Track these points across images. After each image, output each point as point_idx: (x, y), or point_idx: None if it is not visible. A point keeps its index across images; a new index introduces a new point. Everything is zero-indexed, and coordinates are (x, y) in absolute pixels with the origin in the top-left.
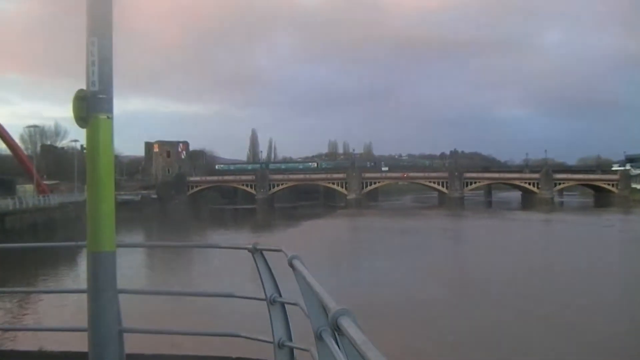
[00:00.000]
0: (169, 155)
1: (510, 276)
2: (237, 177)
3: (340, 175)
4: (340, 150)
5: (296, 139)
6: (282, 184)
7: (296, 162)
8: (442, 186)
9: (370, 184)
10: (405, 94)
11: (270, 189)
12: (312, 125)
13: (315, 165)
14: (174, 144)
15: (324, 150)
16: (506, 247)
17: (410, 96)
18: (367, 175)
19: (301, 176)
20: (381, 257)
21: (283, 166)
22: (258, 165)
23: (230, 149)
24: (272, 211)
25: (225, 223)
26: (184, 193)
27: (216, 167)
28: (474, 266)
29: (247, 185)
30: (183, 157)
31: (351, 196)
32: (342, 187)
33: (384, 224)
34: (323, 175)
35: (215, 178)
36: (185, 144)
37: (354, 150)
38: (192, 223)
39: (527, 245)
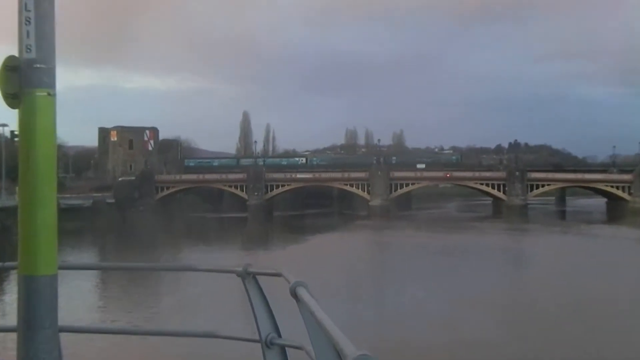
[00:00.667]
0: (131, 146)
1: (594, 316)
2: (224, 176)
3: (361, 175)
4: (362, 141)
5: (303, 126)
6: (282, 186)
7: (302, 155)
8: (498, 190)
9: (401, 187)
10: (449, 67)
11: (267, 192)
12: (324, 109)
13: (304, 161)
14: (139, 131)
15: (340, 140)
16: (586, 276)
17: (456, 70)
18: (397, 174)
19: (309, 175)
20: (416, 286)
21: (285, 161)
22: (251, 161)
23: (215, 138)
24: (269, 221)
25: (205, 237)
26: (151, 197)
27: (191, 163)
28: (543, 301)
29: (236, 187)
30: (151, 148)
31: (375, 202)
32: (364, 190)
33: (420, 241)
34: (338, 175)
35: (194, 177)
36: (154, 131)
37: (379, 141)
38: (161, 237)
39: (616, 276)
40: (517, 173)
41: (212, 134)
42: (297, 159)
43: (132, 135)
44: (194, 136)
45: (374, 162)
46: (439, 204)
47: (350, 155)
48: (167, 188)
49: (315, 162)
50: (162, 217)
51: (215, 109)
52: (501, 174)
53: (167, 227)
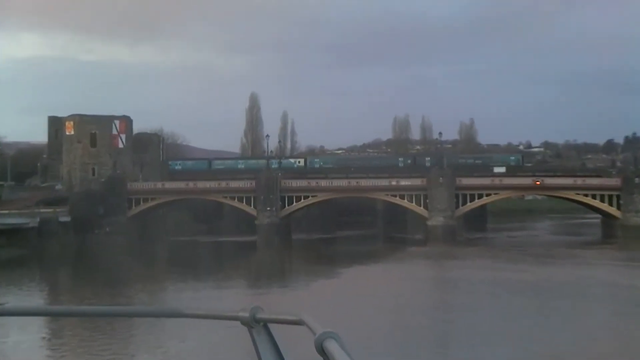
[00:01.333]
0: (94, 143)
1: None
2: (224, 185)
3: (416, 182)
4: (415, 135)
5: (334, 115)
6: (306, 197)
7: (334, 154)
8: (610, 203)
9: (472, 199)
10: (548, 29)
11: (283, 207)
12: (366, 91)
13: (301, 163)
14: (105, 122)
15: (386, 134)
16: None
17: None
18: (466, 182)
19: (343, 183)
20: (500, 346)
21: (319, 163)
22: (261, 163)
23: (212, 132)
24: (286, 248)
25: (196, 270)
26: (122, 213)
27: (178, 166)
28: None
29: (241, 200)
30: (122, 145)
31: (435, 221)
32: (419, 204)
33: (502, 278)
34: (384, 182)
35: (181, 185)
36: (126, 121)
37: (440, 135)
38: (134, 269)
39: None
40: (637, 180)
41: (208, 127)
42: (292, 160)
43: (95, 128)
44: (183, 129)
45: (434, 165)
46: (526, 223)
47: (402, 154)
48: (145, 200)
49: (317, 165)
50: (136, 242)
51: (212, 91)
52: (614, 182)
53: (143, 256)
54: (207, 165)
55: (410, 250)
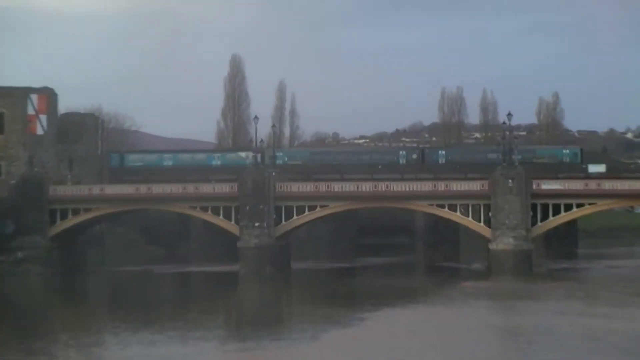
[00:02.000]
0: (1, 128)
1: None
2: (192, 190)
3: (474, 187)
4: (473, 118)
5: (357, 88)
6: (311, 208)
7: (354, 145)
8: None
9: (557, 211)
10: None
11: (280, 221)
12: (395, 52)
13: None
14: (17, 97)
15: (429, 117)
16: None
17: None
18: (548, 187)
19: (366, 188)
20: None
21: (282, 158)
22: (245, 156)
23: (176, 114)
24: (282, 281)
25: (149, 315)
26: (41, 230)
27: (129, 162)
28: None
29: (216, 211)
30: (42, 131)
31: (502, 243)
32: (478, 218)
33: (604, 327)
34: (428, 186)
35: (129, 190)
36: (48, 96)
37: (509, 117)
38: (59, 314)
39: None
40: None
41: (171, 106)
42: (242, 154)
43: (1, 104)
44: (134, 109)
45: (443, 159)
46: (636, 247)
47: (383, 147)
48: (75, 212)
49: (280, 161)
50: (61, 274)
51: (176, 52)
52: None
53: (72, 294)
54: (167, 161)
55: (464, 286)
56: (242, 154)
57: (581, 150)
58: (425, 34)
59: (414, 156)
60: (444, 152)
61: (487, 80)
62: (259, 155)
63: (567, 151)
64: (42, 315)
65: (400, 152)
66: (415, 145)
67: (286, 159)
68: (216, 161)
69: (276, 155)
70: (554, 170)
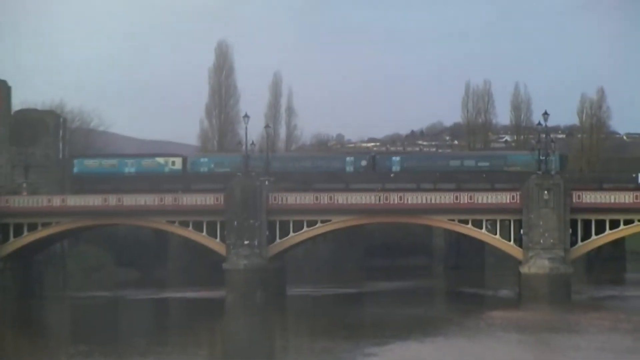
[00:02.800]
0: None
1: None
2: (170, 202)
3: (502, 199)
4: (503, 117)
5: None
6: (311, 223)
7: (358, 149)
8: None
9: (600, 229)
10: None
11: (273, 239)
12: (410, 37)
13: (176, 165)
14: None
15: (450, 117)
16: None
17: None
18: (590, 200)
19: (375, 200)
20: None
21: (208, 165)
22: (232, 160)
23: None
24: (276, 309)
25: (117, 350)
26: None
27: (93, 167)
28: None
29: (199, 227)
30: None
31: (536, 265)
32: (507, 237)
33: None
34: (448, 198)
35: (96, 202)
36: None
37: (546, 117)
38: (9, 350)
39: None
40: None
41: (146, 104)
42: (159, 160)
43: None
44: (102, 106)
45: (398, 167)
46: None
47: (328, 154)
48: (31, 228)
49: (205, 168)
50: (14, 300)
51: (152, 37)
52: None
53: (25, 325)
54: (141, 166)
55: (491, 316)
56: (161, 160)
57: (561, 156)
58: (446, 15)
59: (363, 163)
60: (398, 159)
61: (519, 74)
62: (129, 160)
63: (526, 157)
64: None
65: (347, 159)
66: (434, 149)
67: (212, 165)
68: (129, 168)
69: (200, 160)
70: (514, 180)
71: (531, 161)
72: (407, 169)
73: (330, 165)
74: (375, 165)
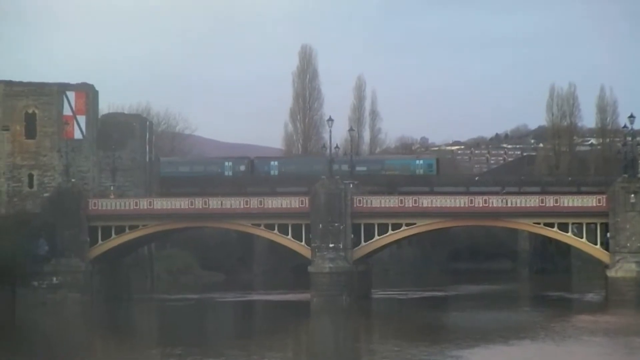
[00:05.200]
0: (32, 132)
1: None
2: (255, 205)
3: (587, 203)
4: (588, 119)
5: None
6: (396, 227)
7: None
8: None
9: None
10: None
11: (358, 242)
12: (496, 40)
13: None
14: (50, 94)
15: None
16: None
17: None
18: None
19: (461, 203)
20: None
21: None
22: (317, 166)
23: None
24: (362, 312)
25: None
26: (78, 251)
27: (180, 170)
28: None
29: (284, 230)
30: (81, 135)
31: (623, 269)
32: (593, 240)
33: None
34: (533, 202)
35: (183, 205)
36: (87, 93)
37: (632, 120)
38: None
39: None
40: None
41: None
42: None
43: (33, 104)
44: (189, 109)
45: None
46: None
47: (208, 158)
48: (119, 230)
49: (168, 172)
50: (104, 303)
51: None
52: None
53: (117, 329)
54: (226, 170)
55: (578, 321)
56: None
57: (437, 161)
58: (530, 19)
59: (242, 167)
60: (276, 164)
61: (605, 76)
62: (340, 164)
63: (421, 162)
64: (81, 352)
65: (226, 163)
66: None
67: (178, 168)
68: (283, 170)
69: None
70: (407, 184)
71: (408, 166)
72: (286, 173)
73: (208, 170)
74: (253, 169)
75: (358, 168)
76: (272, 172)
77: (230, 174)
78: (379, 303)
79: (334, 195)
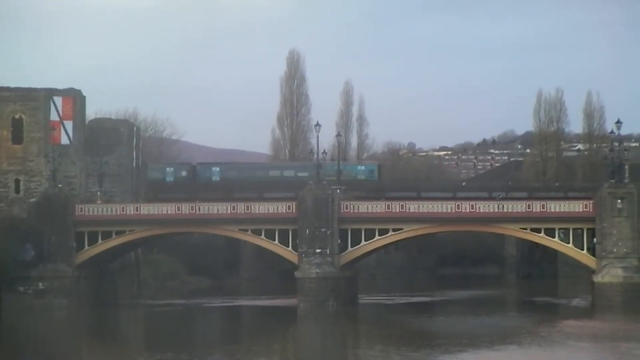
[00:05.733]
0: (19, 137)
1: None
2: (242, 210)
3: (574, 209)
4: (575, 125)
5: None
6: (383, 232)
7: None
8: None
9: None
10: None
11: (345, 248)
12: (484, 47)
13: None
14: (37, 99)
15: (522, 125)
16: None
17: None
18: None
19: (447, 208)
20: None
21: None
22: (302, 170)
23: (223, 121)
24: (348, 317)
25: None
26: (65, 257)
27: (166, 176)
28: None
29: (271, 236)
30: (68, 140)
31: (609, 275)
32: (579, 246)
33: None
34: (518, 209)
35: (169, 210)
36: (75, 98)
37: (619, 125)
38: None
39: None
40: None
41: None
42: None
43: (20, 109)
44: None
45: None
46: None
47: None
48: (105, 236)
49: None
50: (91, 309)
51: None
52: None
53: (105, 335)
54: (214, 174)
55: (565, 326)
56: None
57: (379, 166)
58: (517, 25)
59: (184, 174)
60: (218, 169)
61: (592, 82)
62: (327, 168)
63: (363, 168)
64: (68, 357)
65: (167, 169)
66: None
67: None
68: (269, 175)
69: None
70: (349, 189)
71: (350, 172)
72: (227, 179)
73: (150, 176)
74: (195, 175)
75: (300, 174)
76: (213, 178)
77: (172, 179)
78: (365, 308)
79: (321, 200)
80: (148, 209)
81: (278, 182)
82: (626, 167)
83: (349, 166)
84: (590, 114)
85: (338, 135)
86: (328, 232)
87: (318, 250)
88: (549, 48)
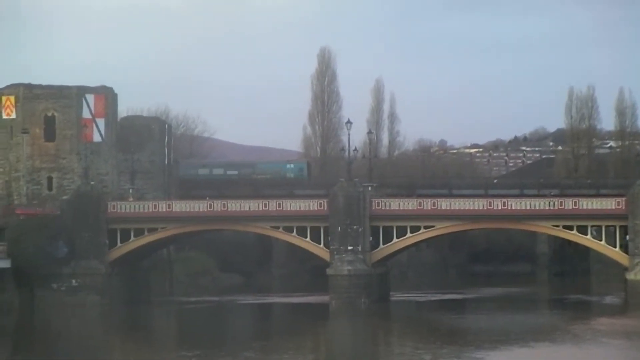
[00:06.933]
0: (51, 135)
1: None
2: (274, 207)
3: (606, 206)
4: (607, 122)
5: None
6: (414, 229)
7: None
8: None
9: None
10: None
11: (377, 245)
12: (514, 44)
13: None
14: (70, 97)
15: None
16: None
17: None
18: None
19: (479, 205)
20: None
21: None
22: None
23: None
24: (381, 315)
25: None
26: (98, 254)
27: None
28: None
29: (303, 232)
30: (100, 138)
31: None
32: (612, 243)
33: None
34: (548, 206)
35: (202, 208)
36: (107, 96)
37: None
38: None
39: None
40: None
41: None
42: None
43: (53, 107)
44: (207, 112)
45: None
46: None
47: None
48: (138, 233)
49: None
50: (124, 306)
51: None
52: None
53: (139, 333)
54: (250, 171)
55: (597, 323)
56: None
57: (308, 164)
58: (547, 21)
59: (305, 171)
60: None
61: (623, 78)
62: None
63: (292, 166)
64: (100, 353)
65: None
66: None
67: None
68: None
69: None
70: (279, 187)
71: (279, 170)
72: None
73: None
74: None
75: (229, 172)
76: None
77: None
78: (397, 306)
79: (352, 197)
80: (180, 206)
81: (207, 180)
82: (301, 166)
83: (277, 164)
84: (622, 111)
85: (369, 132)
86: (359, 229)
87: (350, 248)
88: (580, 45)
